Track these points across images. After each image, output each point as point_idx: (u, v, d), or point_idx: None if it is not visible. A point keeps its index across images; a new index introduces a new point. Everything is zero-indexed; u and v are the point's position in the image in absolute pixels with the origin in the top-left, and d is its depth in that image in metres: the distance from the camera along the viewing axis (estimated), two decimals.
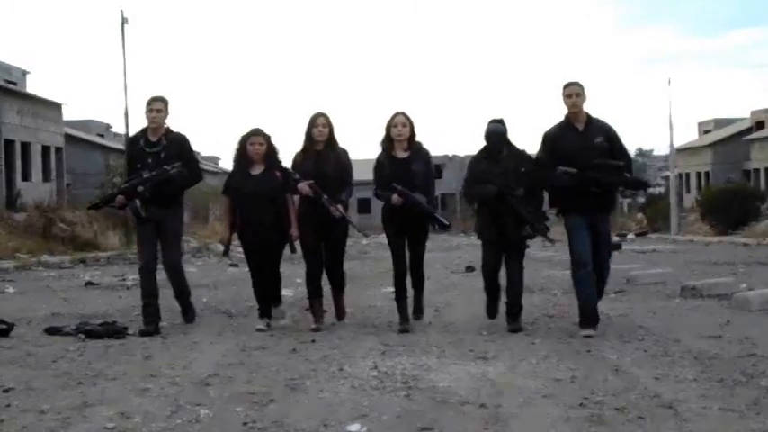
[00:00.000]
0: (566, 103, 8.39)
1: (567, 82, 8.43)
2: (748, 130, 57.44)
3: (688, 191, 58.28)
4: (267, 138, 8.89)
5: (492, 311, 9.03)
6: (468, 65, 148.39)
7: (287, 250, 8.92)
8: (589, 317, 8.29)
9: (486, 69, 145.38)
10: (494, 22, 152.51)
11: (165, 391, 5.93)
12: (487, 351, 7.34)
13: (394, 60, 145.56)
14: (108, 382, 6.25)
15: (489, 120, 8.75)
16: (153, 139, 8.85)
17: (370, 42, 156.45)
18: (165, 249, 9.01)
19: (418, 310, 9.06)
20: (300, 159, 8.87)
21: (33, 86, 41.27)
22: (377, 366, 6.68)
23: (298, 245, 8.89)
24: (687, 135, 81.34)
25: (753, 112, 58.67)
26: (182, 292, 9.36)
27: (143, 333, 8.54)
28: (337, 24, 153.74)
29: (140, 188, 8.63)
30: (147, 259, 8.92)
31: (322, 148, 8.83)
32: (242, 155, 8.90)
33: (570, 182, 8.16)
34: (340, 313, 9.31)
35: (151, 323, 8.75)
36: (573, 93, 8.34)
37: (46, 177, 37.94)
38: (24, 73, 40.29)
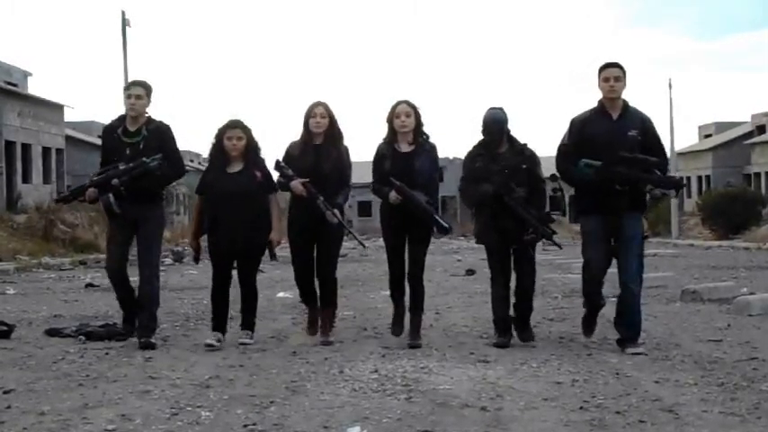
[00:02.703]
0: (602, 88, 7.44)
1: (604, 63, 7.51)
2: (749, 134, 57.49)
3: (689, 195, 58.30)
4: (247, 131, 7.96)
5: (503, 342, 7.80)
6: (469, 65, 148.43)
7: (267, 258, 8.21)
8: (589, 324, 7.94)
9: (487, 70, 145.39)
10: (494, 23, 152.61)
11: (165, 394, 5.92)
12: (488, 354, 7.33)
13: (393, 60, 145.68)
14: (108, 384, 6.25)
15: (488, 108, 7.90)
16: (131, 128, 7.92)
17: (371, 42, 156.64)
18: (142, 254, 8.02)
19: (415, 336, 7.90)
20: (297, 153, 8.01)
21: (35, 88, 41.29)
22: (377, 369, 6.67)
23: (281, 251, 8.16)
24: (688, 138, 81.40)
25: (753, 116, 58.73)
26: (150, 304, 7.99)
27: (143, 345, 7.81)
28: (339, 25, 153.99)
29: (115, 181, 7.70)
30: (116, 263, 8.08)
31: (322, 141, 7.97)
32: (218, 150, 8.01)
33: (593, 176, 7.29)
34: (324, 337, 8.01)
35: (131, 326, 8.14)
36: (611, 76, 7.40)
37: (46, 179, 37.96)
38: (26, 74, 40.28)
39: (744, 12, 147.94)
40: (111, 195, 7.74)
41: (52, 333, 8.77)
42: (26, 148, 36.27)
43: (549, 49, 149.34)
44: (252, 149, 7.98)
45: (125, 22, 31.06)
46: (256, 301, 8.21)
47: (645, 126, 7.50)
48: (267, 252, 8.09)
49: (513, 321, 7.93)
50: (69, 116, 42.35)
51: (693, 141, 65.72)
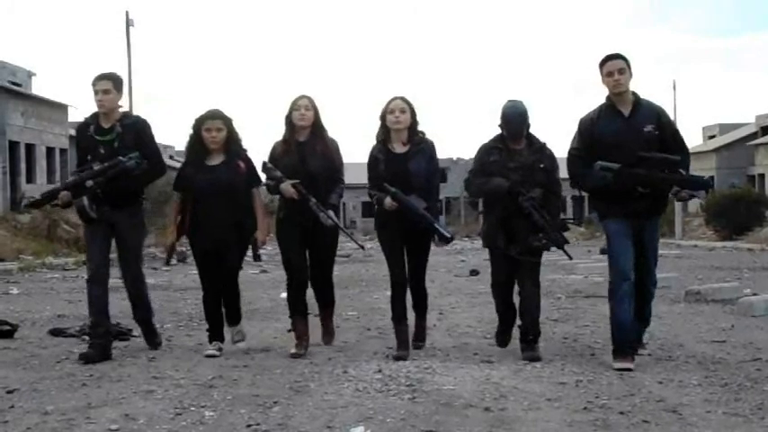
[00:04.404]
0: (606, 83, 6.81)
1: (605, 56, 6.86)
2: (753, 135, 57.48)
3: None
4: (228, 122, 7.37)
5: (503, 339, 7.58)
6: (473, 64, 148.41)
7: (242, 270, 7.64)
8: (624, 345, 6.81)
9: (491, 69, 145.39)
10: (498, 20, 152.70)
11: (169, 393, 5.93)
12: (492, 354, 7.32)
13: (396, 58, 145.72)
14: (112, 384, 6.25)
15: (507, 100, 7.31)
16: (105, 125, 7.34)
17: (372, 40, 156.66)
18: (124, 262, 7.55)
19: (420, 338, 7.64)
20: (281, 152, 7.48)
21: (39, 88, 41.36)
22: (381, 369, 6.66)
23: (270, 251, 7.78)
24: (692, 140, 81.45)
25: (758, 117, 58.71)
26: (144, 312, 7.79)
27: (84, 358, 7.17)
28: (340, 25, 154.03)
29: (89, 183, 7.14)
30: (98, 265, 7.39)
31: (307, 137, 7.45)
32: (197, 142, 7.40)
33: (612, 180, 6.67)
34: (328, 336, 7.93)
35: (97, 346, 7.28)
36: (614, 69, 6.75)
37: (50, 179, 37.96)
38: (30, 74, 40.32)
39: (748, 12, 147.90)
40: (85, 198, 7.18)
41: (56, 333, 8.77)
42: (30, 148, 36.32)
43: (554, 50, 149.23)
44: (233, 141, 7.43)
45: (129, 22, 31.15)
46: (239, 301, 7.68)
47: (661, 120, 6.88)
48: (252, 253, 7.62)
49: (520, 334, 7.28)
50: (73, 116, 42.38)
51: (697, 142, 65.66)
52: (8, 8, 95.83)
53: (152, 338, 7.90)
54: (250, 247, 7.59)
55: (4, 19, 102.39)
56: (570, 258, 7.59)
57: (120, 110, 7.50)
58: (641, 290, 7.05)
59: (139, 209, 7.69)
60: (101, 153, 7.27)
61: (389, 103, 7.35)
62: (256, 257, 7.62)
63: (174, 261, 21.09)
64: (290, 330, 8.02)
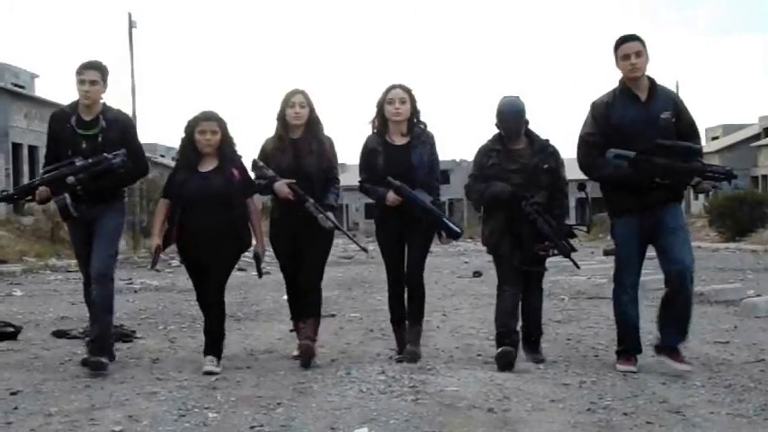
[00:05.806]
0: (622, 68, 6.40)
1: (620, 37, 6.42)
2: (756, 137, 57.46)
3: (696, 197, 58.24)
4: (222, 124, 6.84)
5: (507, 354, 6.68)
6: (475, 64, 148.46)
7: (245, 272, 7.12)
8: (629, 348, 6.69)
9: (494, 69, 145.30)
10: (500, 20, 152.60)
11: (172, 395, 5.92)
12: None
13: (396, 58, 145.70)
14: (116, 386, 6.24)
15: (503, 96, 6.84)
16: (87, 118, 6.80)
17: (372, 40, 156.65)
18: (96, 248, 6.81)
19: (414, 343, 7.07)
20: (272, 150, 7.00)
21: (42, 90, 41.44)
22: (384, 371, 6.64)
23: (268, 266, 7.21)
24: None
25: (761, 118, 58.73)
26: (104, 311, 6.82)
27: (86, 363, 6.78)
28: (342, 27, 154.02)
29: (71, 179, 6.60)
30: (89, 276, 6.94)
31: (301, 135, 6.97)
32: (189, 145, 6.91)
33: (630, 170, 6.26)
34: (306, 347, 6.91)
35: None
36: (631, 52, 6.33)
37: None
38: (32, 76, 40.39)
39: (751, 13, 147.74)
40: (67, 196, 6.66)
41: (59, 335, 8.77)
42: (33, 150, 36.35)
43: (555, 51, 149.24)
44: (227, 145, 6.90)
45: (131, 24, 31.21)
46: (223, 323, 6.96)
47: (677, 107, 6.47)
48: (255, 268, 7.21)
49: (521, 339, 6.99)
50: None
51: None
52: (8, 8, 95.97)
53: (98, 350, 6.76)
54: (254, 260, 7.22)
55: (6, 21, 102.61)
56: (578, 267, 7.39)
57: (101, 102, 6.94)
58: (673, 286, 6.52)
59: (120, 203, 7.23)
60: (83, 148, 6.74)
61: (388, 91, 6.90)
62: (260, 274, 7.10)
63: (175, 263, 21.18)
64: (292, 331, 7.93)
